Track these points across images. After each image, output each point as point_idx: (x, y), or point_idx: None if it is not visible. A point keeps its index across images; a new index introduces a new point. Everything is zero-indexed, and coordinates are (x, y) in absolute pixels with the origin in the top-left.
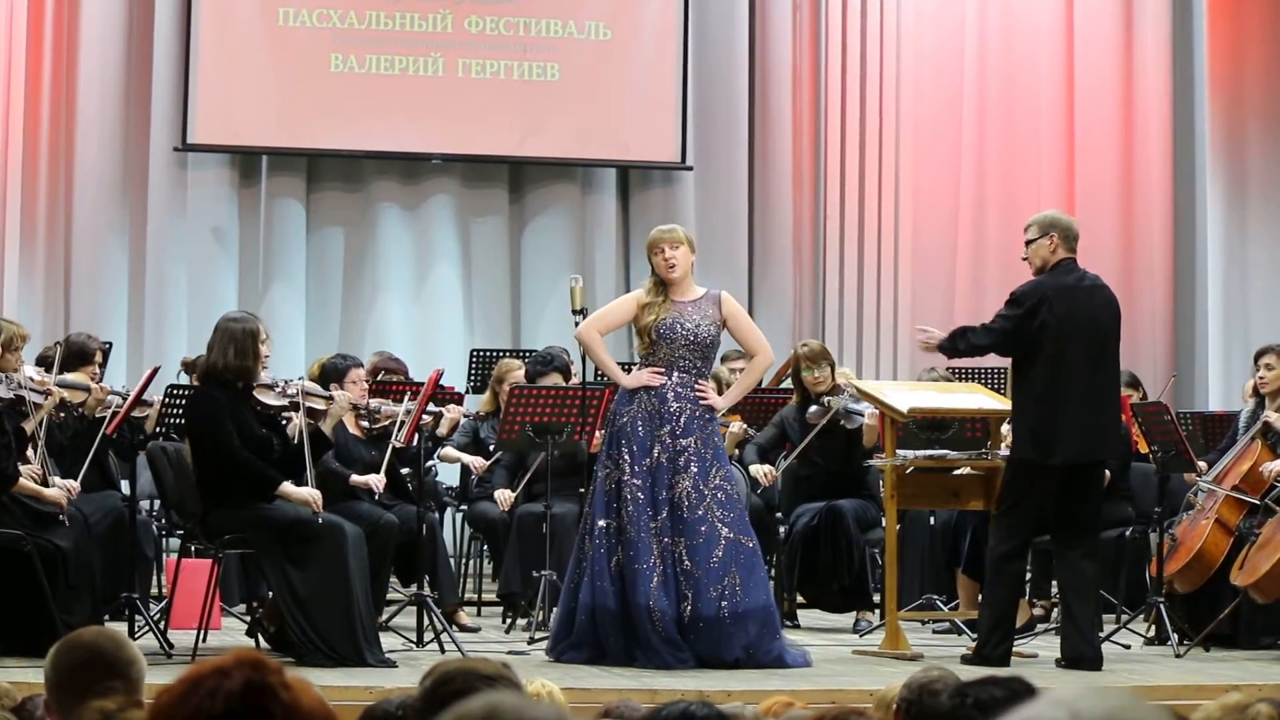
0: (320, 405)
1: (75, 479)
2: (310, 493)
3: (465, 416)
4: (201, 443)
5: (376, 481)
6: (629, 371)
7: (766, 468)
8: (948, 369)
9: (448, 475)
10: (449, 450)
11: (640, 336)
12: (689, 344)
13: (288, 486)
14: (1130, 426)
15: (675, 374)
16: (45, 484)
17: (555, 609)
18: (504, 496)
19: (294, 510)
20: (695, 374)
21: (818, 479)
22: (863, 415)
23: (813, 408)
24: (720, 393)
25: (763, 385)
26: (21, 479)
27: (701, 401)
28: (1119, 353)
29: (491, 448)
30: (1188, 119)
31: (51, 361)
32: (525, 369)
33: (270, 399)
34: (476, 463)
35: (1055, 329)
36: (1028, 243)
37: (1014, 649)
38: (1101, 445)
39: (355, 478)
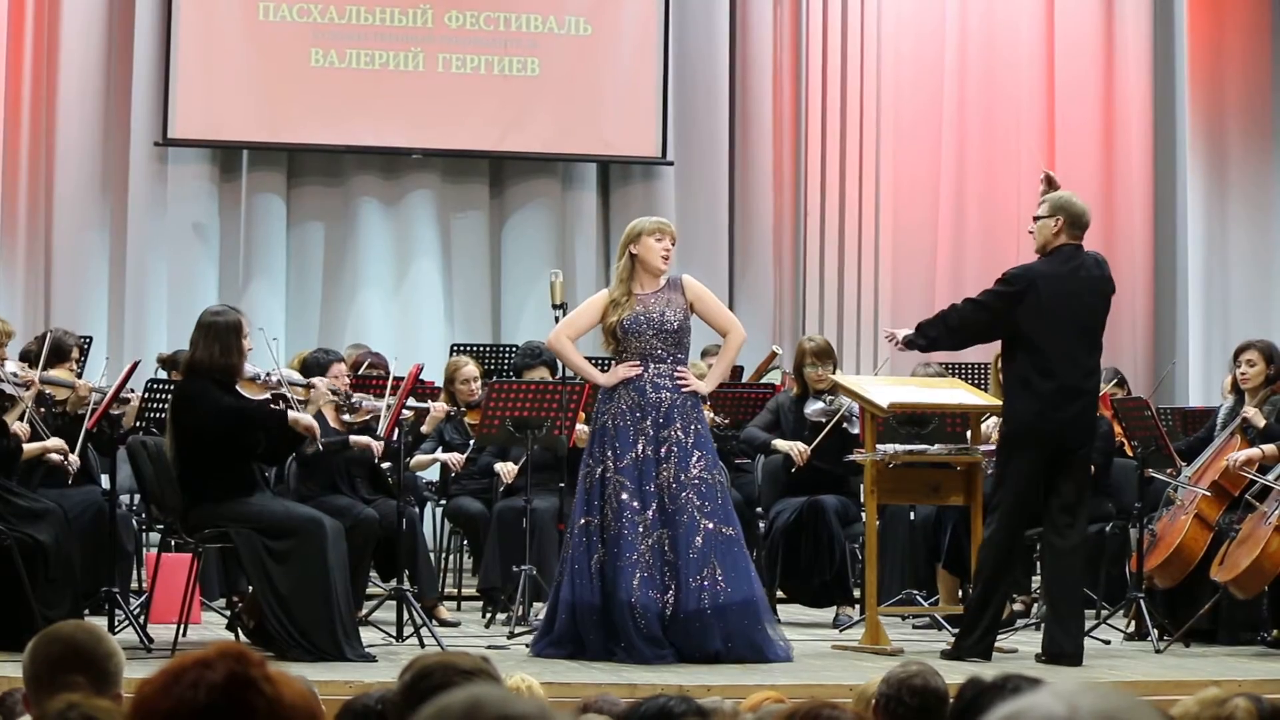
0: (300, 395)
1: (57, 474)
2: (310, 419)
3: (448, 413)
4: (195, 416)
5: (376, 445)
6: (605, 370)
7: (800, 446)
8: (941, 364)
9: (427, 469)
10: (420, 458)
11: (606, 338)
12: (658, 333)
13: (293, 414)
14: (1113, 423)
15: (651, 365)
16: (31, 477)
17: (535, 605)
18: (508, 468)
19: (274, 505)
20: (671, 362)
21: (800, 474)
22: None
23: (815, 405)
24: None
25: (742, 381)
26: (26, 444)
27: (684, 389)
28: (1096, 340)
29: (471, 442)
30: (1168, 114)
31: (33, 356)
32: (512, 361)
33: (253, 392)
34: (454, 458)
35: (1042, 315)
36: (1036, 218)
37: (995, 644)
38: (1082, 432)
39: (355, 437)
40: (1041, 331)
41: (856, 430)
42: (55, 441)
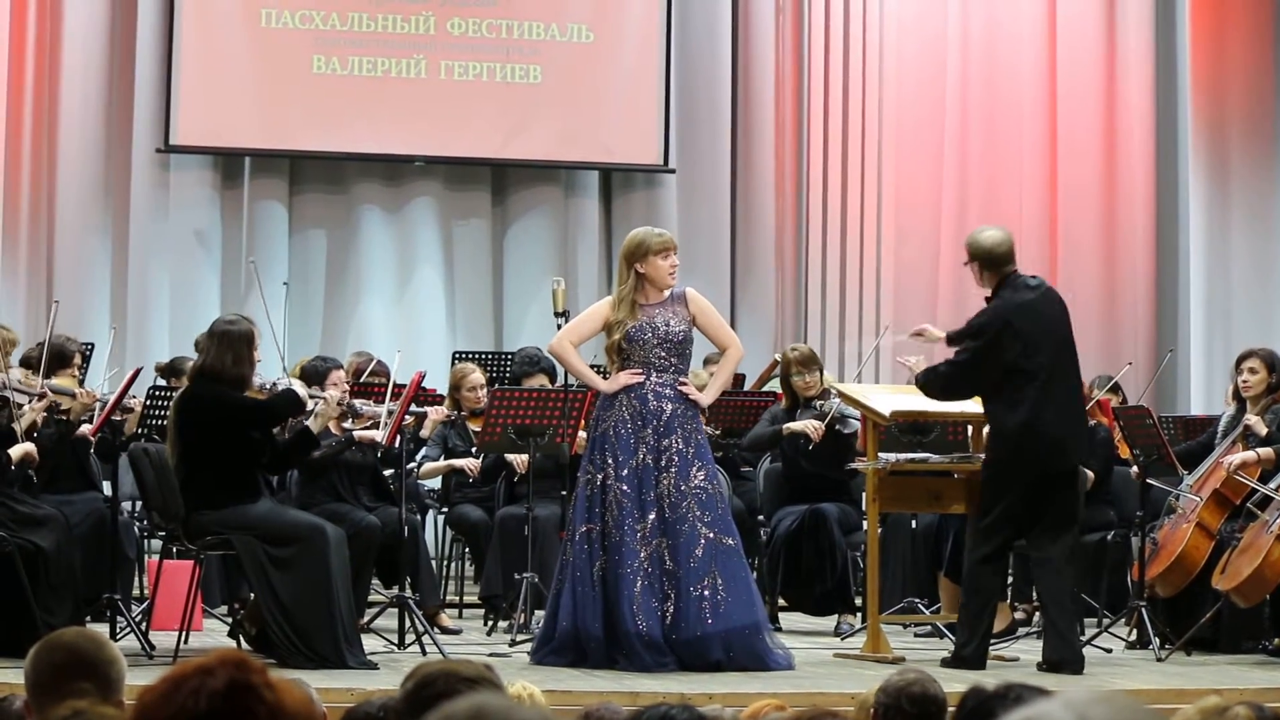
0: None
1: (59, 481)
2: (332, 393)
3: (448, 419)
4: (210, 425)
5: (380, 437)
6: (606, 377)
7: (814, 422)
8: None
9: (434, 478)
10: (429, 466)
11: (610, 356)
12: (661, 342)
13: (300, 389)
14: (1112, 430)
15: (653, 374)
16: (32, 480)
17: (537, 613)
18: (520, 460)
19: (276, 512)
20: (674, 372)
21: (800, 482)
22: (859, 421)
23: (807, 412)
24: None
25: (744, 389)
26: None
27: (688, 395)
28: (1076, 354)
29: (474, 449)
30: (1170, 121)
31: (35, 363)
32: (510, 370)
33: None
34: (470, 464)
35: (1021, 346)
36: (965, 262)
37: (996, 653)
38: (1070, 451)
39: (359, 432)
40: (1022, 359)
41: (849, 431)
42: (28, 446)
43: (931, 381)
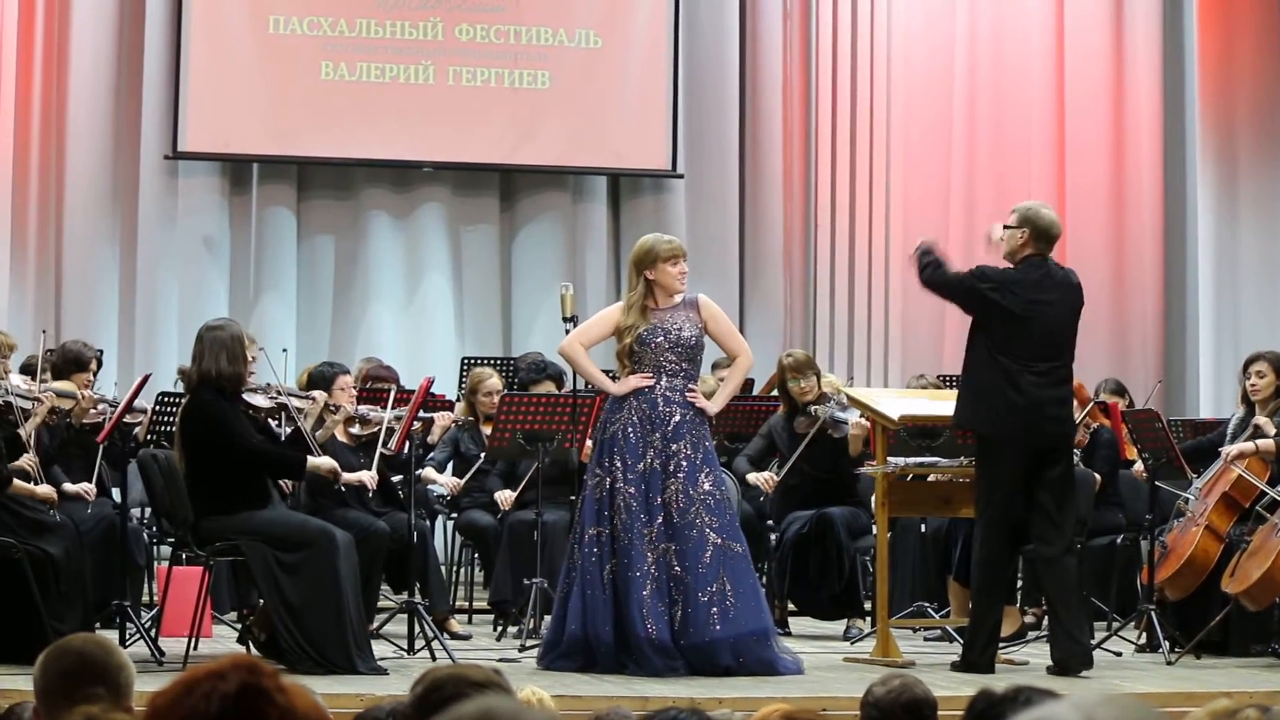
0: (302, 405)
1: (63, 486)
2: (330, 461)
3: (455, 424)
4: (212, 444)
5: (369, 479)
6: (616, 380)
7: (766, 474)
8: (938, 376)
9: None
10: (428, 471)
11: (619, 360)
12: (672, 347)
13: (311, 459)
14: (1118, 433)
15: (663, 379)
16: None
17: (546, 619)
18: (505, 496)
19: (285, 517)
20: (684, 377)
21: (807, 487)
22: (848, 424)
23: (800, 418)
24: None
25: (753, 394)
26: (15, 480)
27: (696, 404)
28: (1074, 344)
29: (483, 455)
30: (1178, 122)
31: (35, 369)
32: (518, 376)
33: (258, 400)
34: (453, 483)
35: (1009, 323)
36: (1006, 226)
37: (1006, 656)
38: (1051, 438)
39: (346, 475)
40: (1006, 340)
41: (839, 436)
42: (45, 489)
43: (935, 271)
